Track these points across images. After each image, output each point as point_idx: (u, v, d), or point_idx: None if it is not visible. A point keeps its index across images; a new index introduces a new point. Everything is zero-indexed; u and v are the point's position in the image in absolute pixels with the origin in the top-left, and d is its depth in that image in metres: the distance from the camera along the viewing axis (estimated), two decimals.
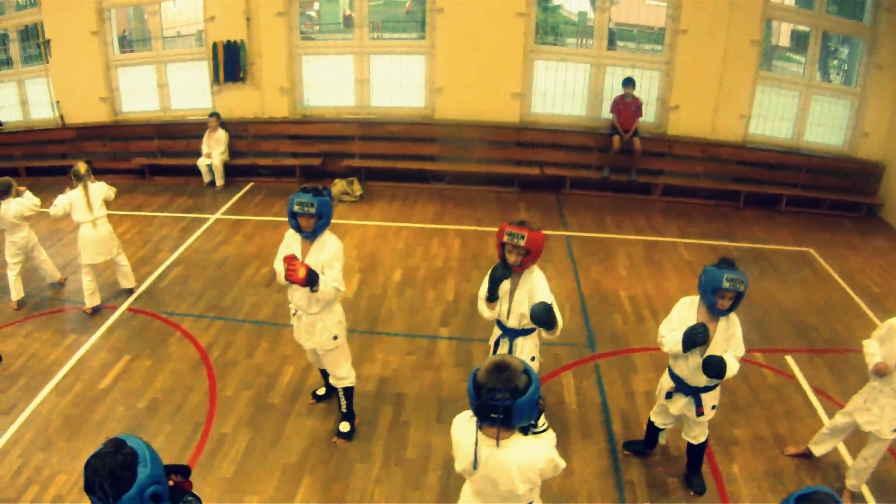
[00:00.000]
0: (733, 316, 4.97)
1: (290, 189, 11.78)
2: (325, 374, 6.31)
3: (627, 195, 12.03)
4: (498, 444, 3.36)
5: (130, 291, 8.55)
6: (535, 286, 5.12)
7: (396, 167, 12.39)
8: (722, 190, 12.01)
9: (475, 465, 3.43)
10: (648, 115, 12.18)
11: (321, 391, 6.58)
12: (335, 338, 5.68)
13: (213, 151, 12.29)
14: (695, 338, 4.80)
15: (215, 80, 12.65)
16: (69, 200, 7.83)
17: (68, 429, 6.17)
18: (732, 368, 4.82)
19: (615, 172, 11.96)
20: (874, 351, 5.23)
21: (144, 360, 7.18)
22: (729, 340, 4.96)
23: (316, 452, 5.89)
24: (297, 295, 5.52)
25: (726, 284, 4.66)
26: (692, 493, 5.52)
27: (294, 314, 5.72)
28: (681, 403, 5.26)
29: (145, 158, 12.91)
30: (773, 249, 10.25)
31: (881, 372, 5.13)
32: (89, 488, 2.68)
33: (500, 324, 5.46)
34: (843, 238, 10.89)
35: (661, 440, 5.84)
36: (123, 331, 7.79)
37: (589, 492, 5.55)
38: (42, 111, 13.67)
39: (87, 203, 7.87)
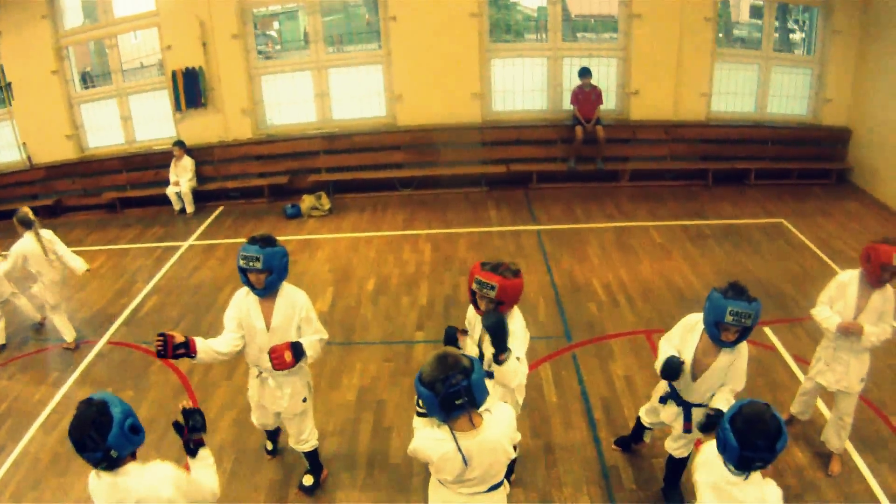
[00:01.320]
0: (741, 346, 4.55)
1: (260, 210, 12.29)
2: (270, 433, 6.03)
3: (595, 184, 12.11)
4: (475, 426, 3.47)
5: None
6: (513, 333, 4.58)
7: (363, 177, 12.48)
8: (689, 170, 12.14)
9: (465, 462, 3.51)
10: (609, 103, 12.27)
11: (269, 446, 6.17)
12: (304, 400, 5.31)
13: (181, 179, 12.31)
14: (671, 374, 4.63)
15: (177, 107, 12.64)
16: (21, 253, 7.66)
17: (57, 466, 6.16)
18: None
19: (581, 162, 12.06)
20: (828, 314, 5.29)
21: (127, 391, 7.14)
22: (728, 373, 4.58)
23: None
24: (265, 358, 4.93)
25: (729, 319, 4.26)
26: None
27: (258, 376, 5.26)
28: (671, 412, 4.99)
29: (115, 192, 12.90)
30: (746, 224, 10.37)
31: (851, 331, 5.16)
32: (80, 446, 3.25)
33: None
34: (815, 205, 11.01)
35: (646, 439, 5.74)
36: (104, 364, 7.79)
37: (574, 480, 5.61)
38: (9, 154, 13.59)
39: (42, 250, 7.77)
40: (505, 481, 3.88)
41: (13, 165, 13.40)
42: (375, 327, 8.11)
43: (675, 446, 5.09)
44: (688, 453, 5.07)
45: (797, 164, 12.00)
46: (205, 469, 3.79)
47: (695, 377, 4.70)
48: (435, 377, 3.31)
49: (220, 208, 12.55)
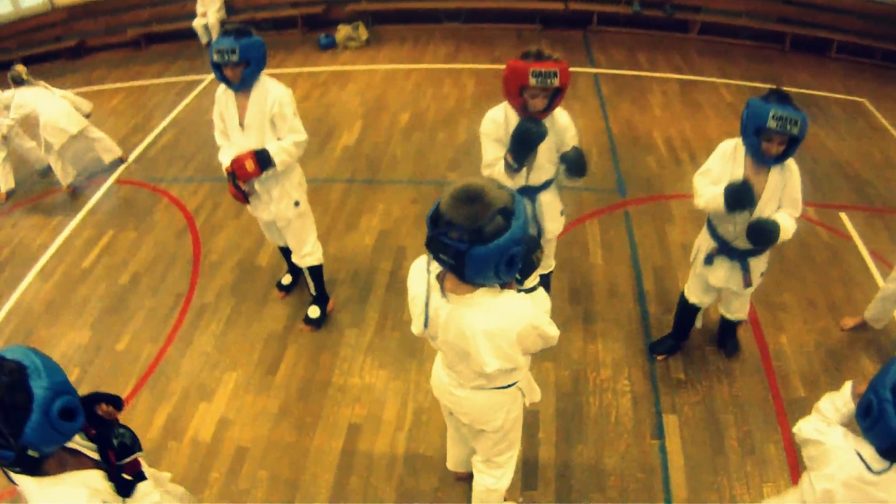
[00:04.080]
0: (791, 164, 3.62)
1: (292, 41, 11.23)
2: (287, 254, 5.22)
3: (662, 33, 10.59)
4: (443, 294, 2.47)
5: (121, 161, 7.83)
6: (564, 130, 3.90)
7: (406, 7, 11.28)
8: (766, 30, 10.46)
9: (426, 322, 2.58)
10: None
11: (286, 280, 5.57)
12: (297, 204, 4.62)
13: (209, 10, 11.23)
14: (739, 199, 3.56)
15: None
16: (19, 103, 7.02)
17: (49, 314, 5.61)
18: (787, 231, 3.60)
19: (647, 7, 10.55)
20: None
21: (129, 232, 6.52)
22: (783, 196, 3.69)
23: (304, 316, 5.17)
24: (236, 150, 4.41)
25: (772, 124, 3.33)
26: (724, 354, 4.60)
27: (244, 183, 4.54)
28: (723, 271, 4.05)
29: (139, 28, 11.92)
30: (824, 97, 8.84)
31: None
32: None
33: None
34: None
35: (697, 323, 4.66)
36: (110, 204, 7.14)
37: (614, 360, 4.67)
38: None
39: (38, 90, 7.15)
40: (513, 393, 2.94)
41: (35, 9, 12.38)
42: (405, 165, 7.14)
43: (732, 309, 4.26)
44: (745, 314, 4.32)
45: (882, 44, 10.18)
46: None
47: (750, 213, 3.69)
48: (443, 213, 2.22)
49: None
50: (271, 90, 4.19)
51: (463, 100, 8.54)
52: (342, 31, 10.72)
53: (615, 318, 5.01)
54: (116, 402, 2.53)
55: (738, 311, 4.33)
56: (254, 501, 3.97)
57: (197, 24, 11.29)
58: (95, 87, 9.95)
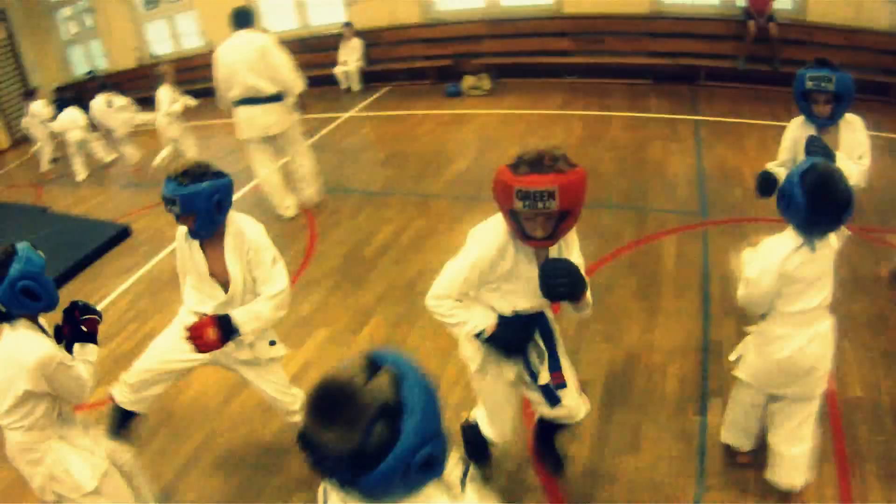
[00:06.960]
0: (852, 119, 3.97)
1: (424, 91, 12.18)
2: None
3: (768, 87, 10.45)
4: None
5: None
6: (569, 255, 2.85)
7: (527, 62, 11.86)
8: (869, 81, 9.82)
9: None
10: (784, 2, 10.58)
11: None
12: (272, 343, 3.56)
13: (349, 59, 12.41)
14: (762, 186, 4.16)
15: None
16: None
17: (172, 283, 6.11)
18: (852, 176, 3.31)
19: (752, 62, 10.58)
20: None
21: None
22: (853, 148, 3.93)
23: (392, 295, 5.67)
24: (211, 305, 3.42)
25: (809, 84, 3.83)
26: None
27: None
28: None
29: None
30: None
31: None
32: None
33: None
34: None
35: None
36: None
37: (668, 348, 4.74)
38: (192, 41, 14.47)
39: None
40: None
41: (195, 51, 14.14)
42: None
43: None
44: None
45: None
46: (84, 365, 2.89)
47: None
48: (306, 437, 1.41)
49: (386, 89, 12.55)
50: (246, 229, 3.28)
51: (568, 139, 8.89)
52: (467, 81, 11.49)
53: (677, 315, 5.10)
54: (97, 313, 3.08)
55: None
56: None
57: (338, 70, 12.47)
58: None
